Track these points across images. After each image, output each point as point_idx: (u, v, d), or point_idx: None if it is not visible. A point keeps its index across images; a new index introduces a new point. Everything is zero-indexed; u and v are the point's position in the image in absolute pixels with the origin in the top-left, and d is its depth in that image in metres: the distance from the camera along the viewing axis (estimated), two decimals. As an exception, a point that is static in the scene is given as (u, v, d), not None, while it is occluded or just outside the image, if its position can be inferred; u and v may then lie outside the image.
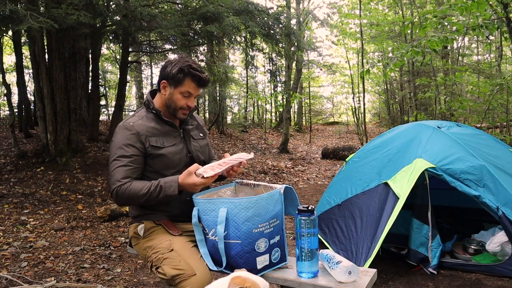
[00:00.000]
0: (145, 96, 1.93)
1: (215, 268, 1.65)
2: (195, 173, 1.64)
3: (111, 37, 7.43)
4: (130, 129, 1.75)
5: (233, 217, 1.56)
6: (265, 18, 7.73)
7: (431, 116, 10.06)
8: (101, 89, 12.22)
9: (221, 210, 1.58)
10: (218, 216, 1.58)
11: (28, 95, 9.57)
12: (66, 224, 4.37)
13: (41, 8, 5.82)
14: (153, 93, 1.93)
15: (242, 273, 1.32)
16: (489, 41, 10.62)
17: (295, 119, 19.20)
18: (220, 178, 1.90)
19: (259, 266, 1.59)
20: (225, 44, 8.91)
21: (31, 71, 7.89)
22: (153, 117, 1.83)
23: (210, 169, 1.63)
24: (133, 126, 1.76)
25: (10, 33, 7.28)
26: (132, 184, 1.69)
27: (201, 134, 1.99)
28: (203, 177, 1.62)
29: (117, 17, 6.38)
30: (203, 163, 1.92)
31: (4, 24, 5.39)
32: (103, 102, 13.21)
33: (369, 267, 2.30)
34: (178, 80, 1.77)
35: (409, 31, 11.15)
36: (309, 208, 1.56)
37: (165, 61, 1.88)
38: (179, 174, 1.72)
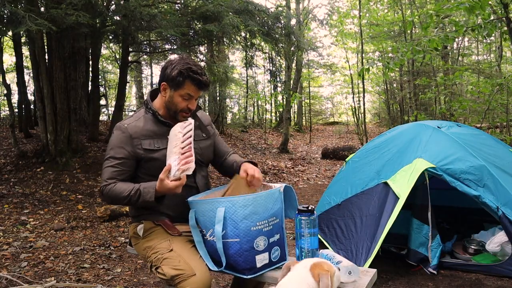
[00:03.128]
0: (145, 95, 1.92)
1: (215, 269, 1.64)
2: (168, 175, 1.60)
3: (111, 37, 7.42)
4: (124, 131, 1.75)
5: (231, 216, 1.56)
6: (265, 18, 7.74)
7: (431, 116, 10.06)
8: (101, 89, 12.22)
9: (218, 210, 1.57)
10: (216, 216, 1.57)
11: (28, 95, 9.57)
12: (66, 224, 4.37)
13: (41, 8, 5.82)
14: (154, 92, 1.90)
15: (312, 259, 1.31)
16: (488, 41, 10.63)
17: (295, 119, 19.20)
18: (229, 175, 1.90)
19: (258, 265, 1.58)
20: (225, 43, 8.91)
21: (31, 71, 7.89)
22: (151, 117, 1.81)
23: (178, 171, 1.58)
24: (127, 128, 1.75)
25: (10, 33, 7.28)
26: (116, 185, 1.69)
27: (204, 135, 1.94)
28: (178, 179, 1.58)
29: (117, 17, 6.38)
30: (201, 163, 1.91)
31: (3, 26, 5.40)
32: (103, 102, 13.21)
33: (369, 267, 2.30)
34: (177, 83, 1.74)
35: (408, 31, 11.16)
36: (309, 208, 1.56)
37: (165, 62, 1.85)
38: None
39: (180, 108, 1.78)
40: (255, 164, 1.86)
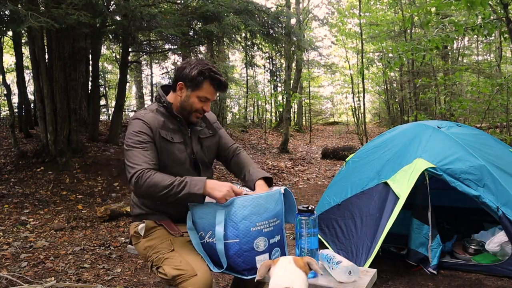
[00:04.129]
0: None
1: (216, 270, 1.64)
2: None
3: (111, 37, 7.43)
4: (142, 119, 1.75)
5: (231, 217, 1.56)
6: (265, 18, 7.73)
7: (431, 116, 10.05)
8: (101, 89, 12.23)
9: (219, 212, 1.58)
10: (216, 217, 1.58)
11: (28, 95, 9.57)
12: (66, 224, 4.37)
13: (41, 8, 5.82)
14: (164, 88, 1.90)
15: (288, 256, 1.40)
16: (488, 41, 10.62)
17: (295, 119, 19.20)
18: None
19: (258, 265, 1.57)
20: (225, 43, 8.90)
21: (31, 71, 7.90)
22: (164, 111, 1.81)
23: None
24: (144, 117, 1.75)
25: (10, 33, 7.28)
26: (156, 173, 1.63)
27: (210, 132, 1.95)
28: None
29: (117, 17, 6.39)
30: (208, 164, 1.92)
31: (5, 24, 5.40)
32: (103, 102, 13.21)
33: (369, 267, 2.30)
34: (196, 83, 1.74)
35: (408, 31, 11.16)
36: (309, 208, 1.55)
37: (182, 62, 1.84)
38: (185, 172, 1.71)
39: (195, 108, 1.79)
40: (270, 182, 1.83)
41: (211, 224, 1.60)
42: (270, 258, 1.61)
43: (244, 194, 1.63)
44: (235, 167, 1.98)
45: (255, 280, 1.41)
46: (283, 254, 1.68)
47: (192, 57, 11.03)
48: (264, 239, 1.59)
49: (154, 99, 1.88)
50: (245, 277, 1.58)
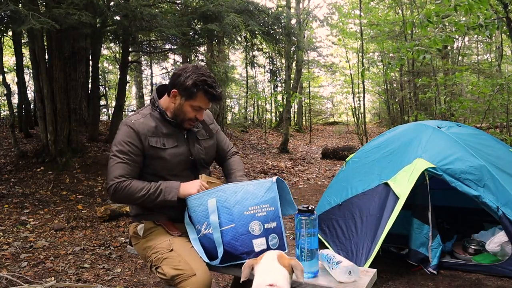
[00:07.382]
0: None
1: (212, 263, 1.65)
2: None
3: (111, 37, 7.43)
4: (132, 126, 1.73)
5: (223, 203, 1.62)
6: (265, 18, 7.74)
7: (431, 116, 10.05)
8: (101, 89, 12.23)
9: (209, 201, 1.62)
10: (208, 207, 1.62)
11: (28, 95, 9.58)
12: (66, 224, 4.37)
13: (42, 8, 5.82)
14: (160, 88, 1.88)
15: (273, 253, 1.40)
16: (489, 40, 10.61)
17: (295, 119, 19.19)
18: None
19: (256, 249, 1.59)
20: (225, 43, 8.90)
21: (31, 71, 7.90)
22: (157, 115, 1.80)
23: None
24: (134, 124, 1.74)
25: (10, 33, 7.29)
26: (132, 183, 1.68)
27: (207, 134, 1.94)
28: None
29: (118, 17, 6.39)
30: (206, 165, 1.92)
31: (5, 24, 5.40)
32: (103, 102, 13.22)
33: (369, 267, 2.30)
34: (190, 94, 1.72)
35: (409, 31, 11.15)
36: (309, 208, 1.56)
37: (178, 68, 1.81)
38: (178, 178, 1.72)
39: (188, 117, 1.78)
40: None
41: (204, 216, 1.64)
42: (267, 243, 1.62)
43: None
44: (226, 170, 2.05)
45: (241, 281, 1.40)
46: (281, 242, 1.68)
47: (191, 62, 11.04)
48: (258, 223, 1.61)
49: (149, 101, 1.87)
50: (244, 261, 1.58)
